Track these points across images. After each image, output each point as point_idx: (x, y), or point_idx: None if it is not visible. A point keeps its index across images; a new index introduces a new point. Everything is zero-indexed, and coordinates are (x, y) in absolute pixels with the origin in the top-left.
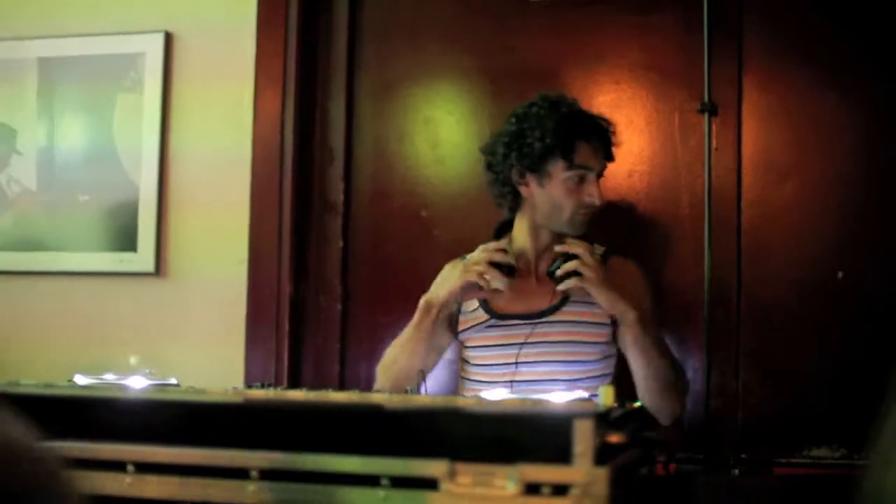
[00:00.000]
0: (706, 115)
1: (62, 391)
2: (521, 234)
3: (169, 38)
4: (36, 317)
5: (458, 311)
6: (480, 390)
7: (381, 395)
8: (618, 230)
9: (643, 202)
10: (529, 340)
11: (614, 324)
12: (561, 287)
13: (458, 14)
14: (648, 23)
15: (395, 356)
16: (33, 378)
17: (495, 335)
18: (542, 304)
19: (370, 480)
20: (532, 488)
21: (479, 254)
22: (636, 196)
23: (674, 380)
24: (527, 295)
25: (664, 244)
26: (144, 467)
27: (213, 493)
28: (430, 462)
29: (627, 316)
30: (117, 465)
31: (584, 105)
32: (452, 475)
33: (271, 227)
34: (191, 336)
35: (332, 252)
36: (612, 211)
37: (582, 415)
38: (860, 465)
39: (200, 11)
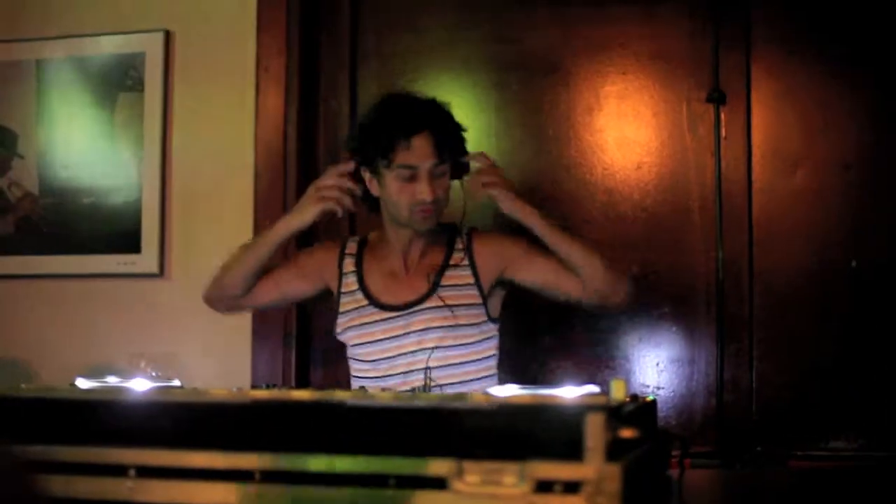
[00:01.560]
0: (714, 104)
1: (62, 394)
2: (385, 231)
3: (169, 37)
4: (39, 320)
5: (339, 289)
6: (372, 385)
7: (388, 394)
8: (627, 222)
9: (652, 193)
10: (411, 330)
11: (486, 303)
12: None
13: (462, 6)
14: (655, 11)
15: (228, 264)
16: (37, 381)
17: (377, 329)
18: (417, 292)
19: (376, 480)
20: (543, 485)
21: (332, 178)
22: (645, 187)
23: (598, 251)
24: (400, 287)
25: (674, 235)
26: (146, 471)
27: (216, 496)
28: (438, 461)
29: (534, 216)
30: (118, 470)
31: (589, 95)
32: (460, 473)
33: None
34: (196, 338)
35: None
36: (621, 203)
37: (593, 409)
38: (879, 457)
39: (200, 9)
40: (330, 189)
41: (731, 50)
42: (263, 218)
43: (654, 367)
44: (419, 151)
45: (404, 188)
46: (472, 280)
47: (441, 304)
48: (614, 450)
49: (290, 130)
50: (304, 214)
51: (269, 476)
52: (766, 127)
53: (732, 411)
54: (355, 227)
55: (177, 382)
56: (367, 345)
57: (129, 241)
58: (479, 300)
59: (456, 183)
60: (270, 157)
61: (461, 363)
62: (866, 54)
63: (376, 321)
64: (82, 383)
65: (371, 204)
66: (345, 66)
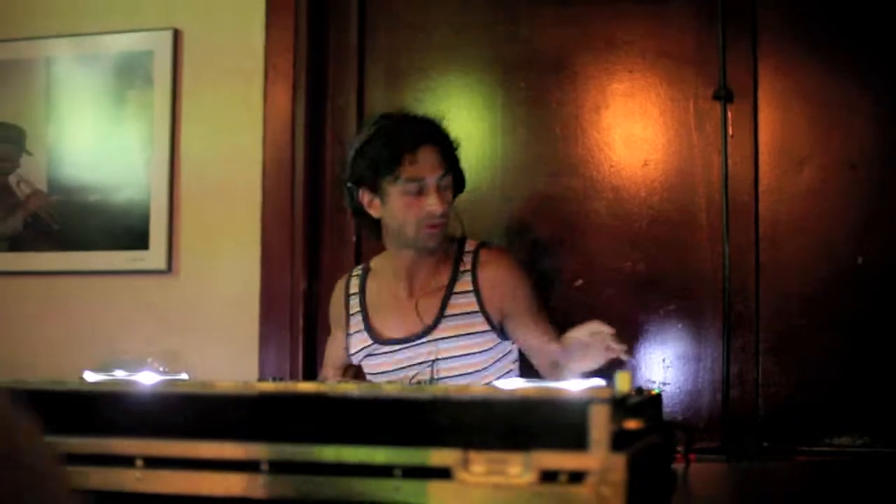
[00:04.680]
0: (721, 101)
1: (70, 386)
2: (388, 257)
3: (177, 35)
4: (48, 316)
5: (347, 330)
6: None
7: (393, 386)
8: (634, 219)
9: (659, 191)
10: (415, 363)
11: (495, 328)
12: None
13: (469, 4)
14: (662, 9)
15: None
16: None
17: (383, 361)
18: (416, 326)
19: (382, 471)
20: (547, 475)
21: None
22: (652, 185)
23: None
24: (402, 318)
25: (681, 233)
26: (154, 461)
27: (223, 486)
28: (443, 451)
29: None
30: (126, 460)
31: (596, 93)
32: (466, 464)
33: (284, 223)
34: (204, 334)
35: (345, 248)
36: (628, 200)
37: (598, 400)
38: (883, 453)
39: (208, 7)
40: None
41: (738, 48)
42: (271, 214)
43: (661, 363)
44: (426, 164)
45: (412, 203)
46: (476, 308)
47: (445, 335)
48: (619, 441)
49: (298, 128)
50: None
51: (276, 467)
52: (773, 125)
53: (738, 408)
54: (360, 250)
55: (184, 376)
56: (377, 375)
57: (137, 237)
58: (487, 327)
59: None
60: (278, 154)
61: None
62: (874, 53)
63: (384, 353)
64: (90, 377)
65: (371, 228)
66: (353, 63)
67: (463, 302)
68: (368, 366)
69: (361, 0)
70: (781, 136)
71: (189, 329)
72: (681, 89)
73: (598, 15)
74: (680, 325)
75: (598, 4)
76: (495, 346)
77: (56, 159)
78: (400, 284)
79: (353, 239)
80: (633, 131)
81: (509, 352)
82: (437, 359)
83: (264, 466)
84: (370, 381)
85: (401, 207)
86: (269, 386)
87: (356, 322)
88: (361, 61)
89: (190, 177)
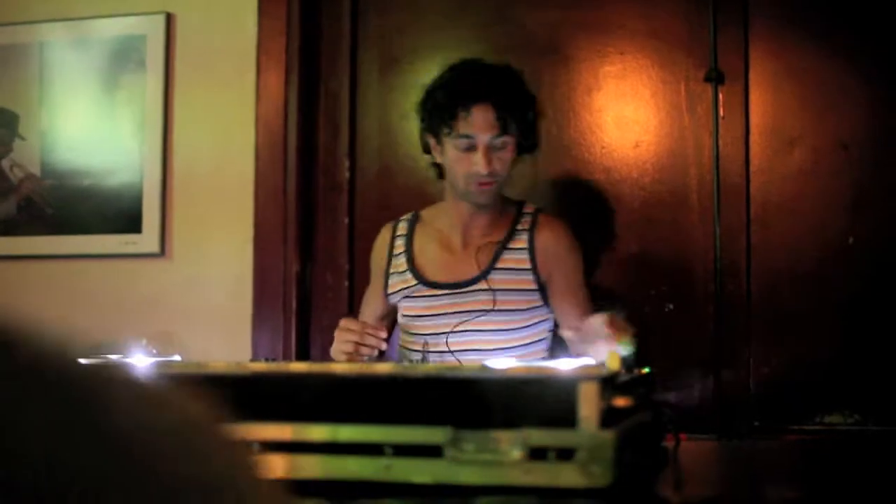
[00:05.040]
0: (713, 83)
1: None
2: (442, 209)
3: (170, 19)
4: (41, 300)
5: (387, 270)
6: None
7: (384, 365)
8: (625, 200)
9: (650, 172)
10: (457, 310)
11: (542, 289)
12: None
13: None
14: None
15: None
16: None
17: (423, 305)
18: (468, 273)
19: (373, 449)
20: (537, 453)
21: (353, 334)
22: (643, 166)
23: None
24: (453, 264)
25: (672, 214)
26: None
27: None
28: (434, 429)
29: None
30: None
31: (588, 75)
32: (456, 442)
33: (276, 206)
34: (197, 317)
35: (338, 230)
36: (620, 182)
37: (588, 378)
38: (874, 431)
39: None
40: (347, 345)
41: (729, 30)
42: (264, 197)
43: (653, 343)
44: (479, 122)
45: (462, 158)
46: (528, 265)
47: (495, 287)
48: (608, 418)
49: (290, 111)
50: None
51: (268, 446)
52: (764, 106)
53: (730, 388)
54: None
55: (177, 358)
56: (413, 318)
57: (130, 221)
58: (535, 286)
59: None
60: (271, 137)
61: (502, 349)
62: (865, 33)
63: (424, 296)
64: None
65: (438, 170)
66: (345, 46)
67: (516, 258)
68: (407, 308)
69: None
70: (772, 117)
71: (182, 312)
72: (672, 71)
73: None
74: (672, 306)
75: None
76: (537, 307)
77: (49, 143)
78: (454, 233)
79: (346, 220)
80: (625, 113)
81: (546, 319)
82: (492, 309)
83: (256, 446)
84: (406, 326)
85: (453, 160)
86: (260, 366)
87: (400, 262)
88: (354, 45)
89: (183, 160)
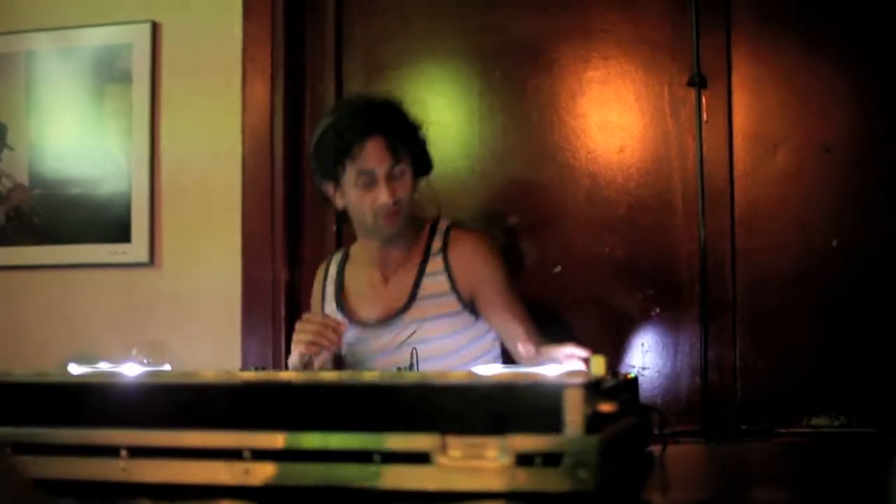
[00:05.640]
0: (696, 88)
1: (55, 378)
2: (362, 244)
3: (156, 28)
4: (31, 310)
5: (323, 308)
6: None
7: (372, 373)
8: (610, 205)
9: (635, 177)
10: (394, 344)
11: (469, 306)
12: None
13: None
14: None
15: None
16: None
17: (354, 342)
18: (393, 307)
19: (362, 457)
20: (523, 459)
21: (312, 326)
22: (627, 171)
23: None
24: (377, 300)
25: (657, 218)
26: (138, 451)
27: (206, 474)
28: (421, 436)
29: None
30: (110, 451)
31: (572, 80)
32: (444, 448)
33: (264, 214)
34: (187, 326)
35: (325, 237)
36: (604, 186)
37: (573, 384)
38: (860, 433)
39: (186, 0)
40: (306, 336)
41: (711, 34)
42: (251, 205)
43: (639, 348)
44: (374, 154)
45: (364, 195)
46: (447, 287)
47: (419, 317)
48: (594, 423)
49: (276, 118)
50: (292, 358)
51: (259, 454)
52: (746, 110)
53: (716, 391)
54: (341, 239)
55: (167, 367)
56: (352, 357)
57: (119, 230)
58: (459, 307)
59: (434, 177)
60: (257, 144)
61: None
62: (847, 38)
63: (358, 338)
64: (74, 369)
65: (343, 218)
66: (330, 53)
67: (435, 282)
68: (346, 349)
69: None
70: (756, 120)
71: (172, 321)
72: (656, 76)
73: (573, 2)
74: (658, 310)
75: None
76: (471, 324)
77: (37, 153)
78: (374, 269)
79: (334, 228)
80: (609, 118)
81: (488, 331)
82: (412, 340)
83: (247, 454)
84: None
85: (356, 199)
86: (250, 375)
87: (329, 304)
88: (339, 51)
89: (170, 169)
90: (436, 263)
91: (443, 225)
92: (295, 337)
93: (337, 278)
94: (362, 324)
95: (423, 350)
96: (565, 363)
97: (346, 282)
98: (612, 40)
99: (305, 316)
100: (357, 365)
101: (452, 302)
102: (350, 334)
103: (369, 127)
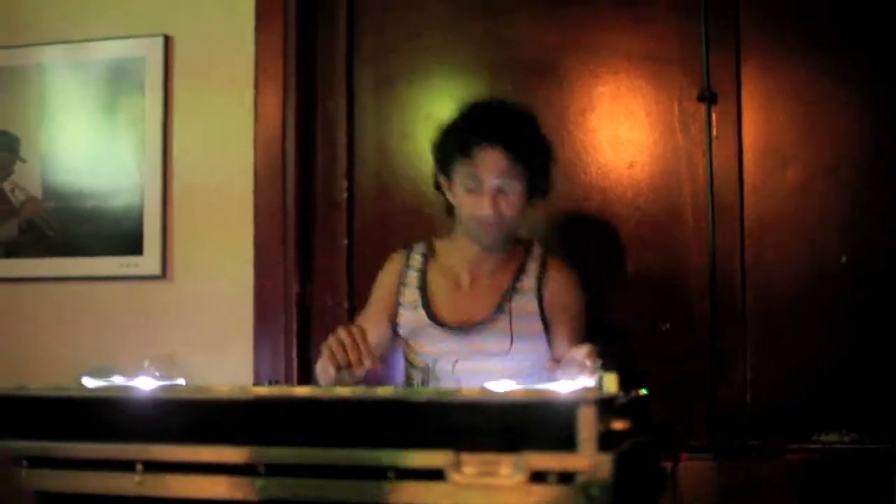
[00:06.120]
0: (706, 103)
1: (70, 393)
2: (454, 242)
3: (168, 41)
4: (43, 322)
5: (397, 300)
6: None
7: (386, 389)
8: (621, 220)
9: (645, 192)
10: (465, 351)
11: (547, 331)
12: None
13: (455, 8)
14: (646, 12)
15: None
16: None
17: (431, 342)
18: (478, 314)
19: (376, 473)
20: (537, 476)
21: (342, 339)
22: (638, 187)
23: None
24: (462, 304)
25: (667, 233)
26: (153, 466)
27: (221, 489)
28: (436, 453)
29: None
30: (126, 465)
31: (582, 95)
32: (458, 465)
33: (276, 227)
34: (199, 338)
35: (337, 250)
36: (615, 201)
37: (586, 402)
38: (871, 449)
39: (199, 14)
40: (338, 348)
41: (721, 50)
42: (263, 218)
43: (649, 363)
44: (487, 164)
45: (469, 198)
46: (535, 310)
47: (506, 329)
48: (607, 441)
49: (288, 131)
50: (321, 373)
51: (273, 470)
52: (756, 126)
53: (726, 406)
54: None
55: (181, 381)
56: (421, 354)
57: (131, 243)
58: (542, 329)
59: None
60: (270, 156)
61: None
62: (856, 53)
63: (434, 333)
64: (88, 383)
65: (448, 207)
66: (342, 66)
67: (524, 302)
68: (413, 342)
69: (350, 4)
70: (765, 136)
71: (184, 334)
72: (665, 91)
73: (583, 18)
74: (668, 325)
75: (582, 7)
76: (544, 351)
77: (50, 166)
78: (463, 271)
79: (345, 242)
80: (619, 133)
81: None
82: (507, 353)
83: (261, 469)
84: (412, 359)
85: (461, 199)
86: (264, 390)
87: (411, 296)
88: (350, 64)
89: (182, 182)
90: (527, 284)
91: (538, 249)
92: (325, 343)
93: (420, 274)
94: (442, 324)
95: (484, 365)
96: (583, 364)
97: (429, 279)
98: (622, 55)
99: (340, 330)
100: (419, 358)
101: (538, 325)
102: (422, 328)
103: (492, 135)
